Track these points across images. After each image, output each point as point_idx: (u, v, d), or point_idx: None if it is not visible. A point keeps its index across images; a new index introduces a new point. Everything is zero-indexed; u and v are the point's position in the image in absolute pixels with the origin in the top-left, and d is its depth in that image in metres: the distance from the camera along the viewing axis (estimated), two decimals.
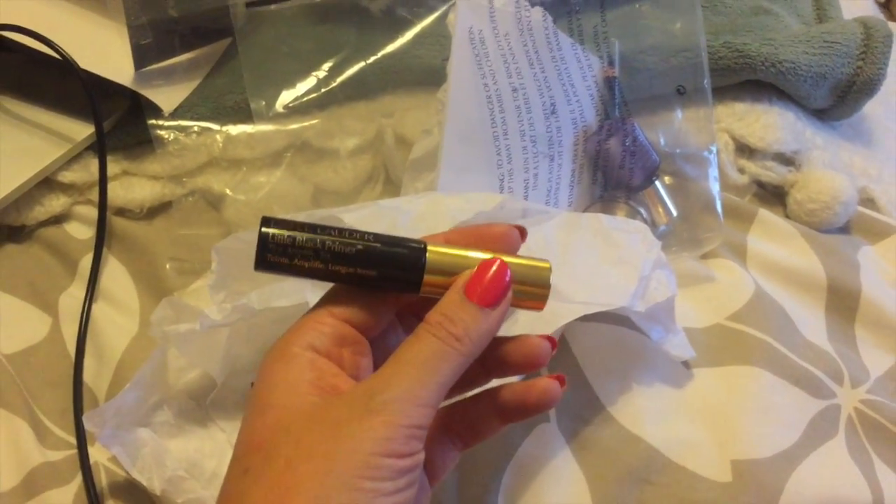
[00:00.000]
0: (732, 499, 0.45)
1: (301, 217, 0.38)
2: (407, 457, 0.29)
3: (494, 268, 0.33)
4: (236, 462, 0.30)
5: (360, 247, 0.32)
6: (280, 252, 0.31)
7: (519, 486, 0.46)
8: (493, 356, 0.35)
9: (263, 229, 0.31)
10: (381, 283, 0.33)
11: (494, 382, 0.37)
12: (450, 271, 0.33)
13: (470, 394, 0.37)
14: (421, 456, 0.30)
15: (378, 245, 0.32)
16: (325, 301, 0.34)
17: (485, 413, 0.36)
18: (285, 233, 0.31)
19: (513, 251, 0.35)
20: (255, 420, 0.31)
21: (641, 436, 0.47)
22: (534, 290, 0.34)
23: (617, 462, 0.47)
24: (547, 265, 0.34)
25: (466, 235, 0.35)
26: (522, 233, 0.36)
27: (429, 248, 0.33)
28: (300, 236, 0.32)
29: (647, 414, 0.48)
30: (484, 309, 0.32)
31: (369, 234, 0.33)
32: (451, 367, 0.31)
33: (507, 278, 0.33)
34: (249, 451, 0.30)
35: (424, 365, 0.30)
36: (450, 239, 0.35)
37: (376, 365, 0.34)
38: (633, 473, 0.46)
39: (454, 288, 0.33)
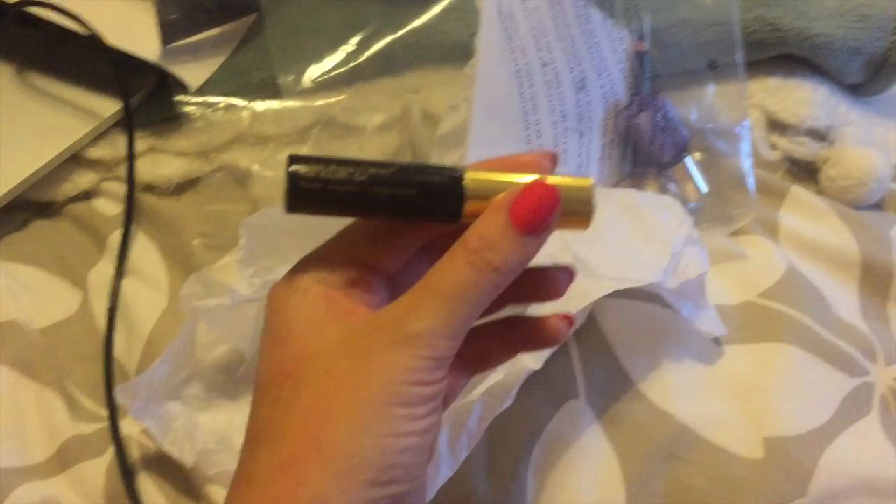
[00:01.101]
0: (764, 476, 0.45)
1: None
2: (434, 384, 0.29)
3: (542, 190, 0.30)
4: (263, 392, 0.30)
5: (397, 168, 0.30)
6: (312, 179, 0.29)
7: (548, 463, 0.46)
8: (515, 284, 0.32)
9: (293, 166, 0.29)
10: (419, 208, 0.30)
11: (506, 311, 0.36)
12: (492, 195, 0.31)
13: (482, 321, 0.35)
14: (445, 381, 0.30)
15: (417, 165, 0.31)
16: (334, 240, 0.32)
17: (495, 342, 0.35)
18: (317, 157, 0.30)
19: None
20: (276, 351, 0.30)
21: (672, 412, 0.47)
22: (577, 209, 0.31)
23: (647, 438, 0.46)
24: (589, 182, 0.32)
25: (493, 167, 0.32)
26: (553, 160, 0.33)
27: (468, 172, 0.31)
28: (332, 165, 0.30)
29: (678, 390, 0.48)
30: (526, 236, 0.30)
31: (400, 161, 0.31)
32: (484, 300, 0.30)
33: (557, 202, 0.30)
34: (277, 381, 0.30)
35: (457, 296, 0.29)
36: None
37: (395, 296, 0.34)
38: (664, 450, 0.46)
39: (497, 208, 0.30)
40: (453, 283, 0.29)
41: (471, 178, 0.31)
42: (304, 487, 0.27)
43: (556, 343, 0.35)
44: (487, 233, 0.30)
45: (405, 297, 0.30)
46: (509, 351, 0.36)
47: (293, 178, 0.29)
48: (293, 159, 0.30)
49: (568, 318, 0.35)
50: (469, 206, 0.30)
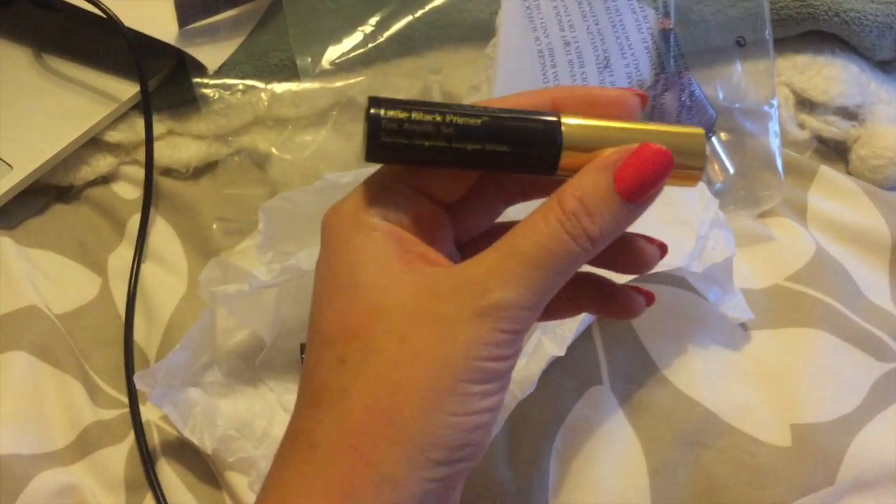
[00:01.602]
0: (792, 463, 0.44)
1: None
2: (510, 359, 0.28)
3: (655, 155, 0.27)
4: (327, 347, 0.28)
5: (486, 118, 0.27)
6: (395, 132, 0.27)
7: (571, 449, 0.45)
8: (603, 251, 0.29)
9: (373, 110, 0.27)
10: (511, 162, 0.28)
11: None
12: (590, 147, 0.28)
13: None
14: (519, 353, 0.28)
15: (507, 115, 0.27)
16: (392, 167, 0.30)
17: (565, 293, 0.31)
18: (399, 109, 0.27)
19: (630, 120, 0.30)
20: (341, 300, 0.28)
21: (697, 399, 0.46)
22: (686, 164, 0.29)
23: (672, 425, 0.46)
24: (700, 131, 0.29)
25: (574, 98, 0.29)
26: (643, 99, 0.30)
27: (564, 120, 0.28)
28: (416, 111, 0.27)
29: (703, 376, 0.47)
30: (630, 204, 0.27)
31: (490, 107, 0.28)
32: (572, 270, 0.27)
33: (671, 168, 0.27)
34: (343, 338, 0.27)
35: (544, 264, 0.27)
36: (558, 102, 0.29)
37: (460, 238, 0.32)
38: (689, 436, 0.45)
39: (600, 168, 0.27)
40: (542, 247, 0.27)
41: (568, 125, 0.28)
42: (374, 466, 0.26)
43: (628, 317, 0.33)
44: (586, 196, 0.27)
45: (487, 255, 0.27)
46: (576, 307, 0.34)
47: (374, 128, 0.27)
48: (374, 102, 0.27)
49: (648, 295, 0.33)
50: (566, 159, 0.28)
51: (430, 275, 0.28)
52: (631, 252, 0.32)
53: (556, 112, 0.28)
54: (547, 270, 0.27)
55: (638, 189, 0.27)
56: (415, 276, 0.28)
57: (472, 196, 0.31)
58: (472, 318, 0.26)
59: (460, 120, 0.27)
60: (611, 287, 0.33)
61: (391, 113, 0.27)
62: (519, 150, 0.28)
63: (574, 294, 0.33)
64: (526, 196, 0.33)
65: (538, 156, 0.28)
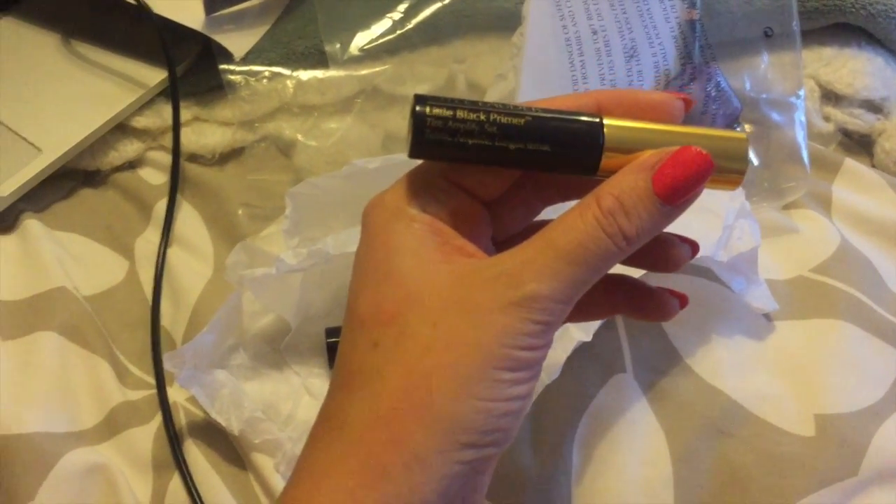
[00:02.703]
0: (816, 453, 0.44)
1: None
2: (542, 349, 0.28)
3: (694, 158, 0.27)
4: (362, 331, 0.28)
5: (529, 118, 0.28)
6: (440, 130, 0.27)
7: (594, 436, 0.46)
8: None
9: (419, 107, 0.27)
10: (553, 161, 0.28)
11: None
12: (631, 148, 0.28)
13: None
14: (550, 345, 0.29)
15: (550, 117, 0.28)
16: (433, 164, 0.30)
17: (598, 294, 0.32)
18: (444, 108, 0.27)
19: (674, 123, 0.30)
20: (378, 287, 0.28)
21: (721, 388, 0.46)
22: (728, 167, 0.29)
23: (695, 414, 0.46)
24: (743, 136, 0.29)
25: (619, 101, 0.30)
26: (687, 103, 0.30)
27: (606, 121, 0.28)
28: (461, 110, 0.27)
29: (727, 366, 0.47)
30: (665, 207, 0.27)
31: (533, 107, 0.28)
32: (606, 267, 0.28)
33: (710, 172, 0.27)
34: (378, 323, 0.28)
35: (579, 259, 0.27)
36: (602, 105, 0.30)
37: (497, 236, 0.32)
38: (712, 425, 0.45)
39: (640, 169, 0.28)
40: (578, 243, 0.27)
41: (610, 126, 0.28)
42: (404, 446, 0.26)
43: (661, 319, 0.33)
44: (624, 195, 0.27)
45: (523, 248, 0.28)
46: (610, 309, 0.34)
47: (419, 126, 0.27)
48: (419, 100, 0.27)
49: (682, 298, 0.33)
50: (607, 160, 0.28)
51: (465, 265, 0.28)
52: (663, 251, 0.32)
53: (599, 114, 0.29)
54: (581, 266, 0.27)
55: (676, 191, 0.27)
56: (451, 266, 0.28)
57: (510, 195, 0.32)
58: (506, 308, 0.27)
59: (504, 119, 0.28)
60: (645, 289, 0.33)
61: (436, 111, 0.27)
62: (561, 150, 0.28)
63: (608, 295, 0.33)
64: (564, 197, 0.33)
65: (580, 156, 0.28)
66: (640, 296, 0.33)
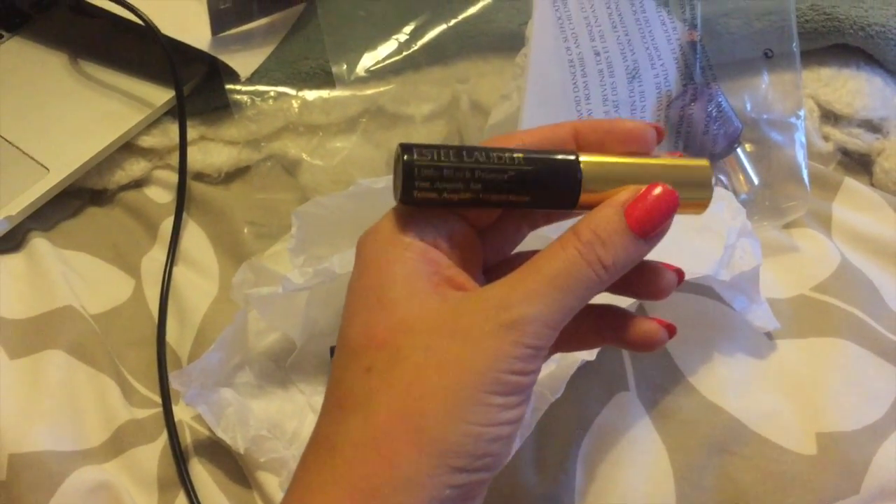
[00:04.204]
0: (818, 472, 0.44)
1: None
2: (531, 374, 0.29)
3: (660, 194, 0.30)
4: (354, 357, 0.29)
5: (512, 172, 0.29)
6: (427, 186, 0.29)
7: (598, 454, 0.46)
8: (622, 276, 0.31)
9: (407, 157, 0.29)
10: (535, 204, 0.30)
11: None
12: (608, 181, 0.30)
13: None
14: (539, 371, 0.30)
15: (531, 168, 0.30)
16: None
17: (587, 325, 0.34)
18: (432, 164, 0.29)
19: (647, 152, 0.32)
20: (370, 314, 0.29)
21: (723, 406, 0.47)
22: (694, 195, 0.31)
23: (698, 432, 0.46)
24: (705, 163, 0.31)
25: (596, 130, 0.32)
26: (659, 133, 0.32)
27: (582, 159, 0.30)
28: (448, 167, 0.29)
29: (729, 384, 0.48)
30: (640, 239, 0.29)
31: (516, 153, 0.30)
32: (589, 294, 0.29)
33: (675, 207, 0.30)
34: (370, 348, 0.29)
35: (565, 287, 0.29)
36: (581, 135, 0.32)
37: (487, 259, 0.33)
38: (715, 444, 0.46)
39: (613, 205, 0.30)
40: (562, 271, 0.29)
41: (586, 163, 0.30)
42: (396, 469, 0.27)
43: (649, 349, 0.34)
44: (600, 228, 0.29)
45: (510, 277, 0.29)
46: (598, 340, 0.35)
47: (407, 186, 0.29)
48: (405, 149, 0.29)
49: (670, 328, 0.34)
50: (584, 196, 0.30)
51: (455, 296, 0.29)
52: (648, 278, 0.33)
53: (576, 152, 0.31)
54: (565, 292, 0.29)
55: (646, 224, 0.29)
56: (442, 294, 0.29)
57: (501, 221, 0.34)
58: (497, 331, 0.28)
59: (488, 176, 0.29)
60: (631, 319, 0.34)
61: (424, 166, 0.29)
62: (541, 201, 0.30)
63: (596, 325, 0.34)
64: (549, 220, 0.35)
65: (560, 200, 0.31)
66: (626, 326, 0.34)
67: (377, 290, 0.29)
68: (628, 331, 0.34)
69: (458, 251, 0.31)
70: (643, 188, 0.30)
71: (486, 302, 0.29)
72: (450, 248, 0.31)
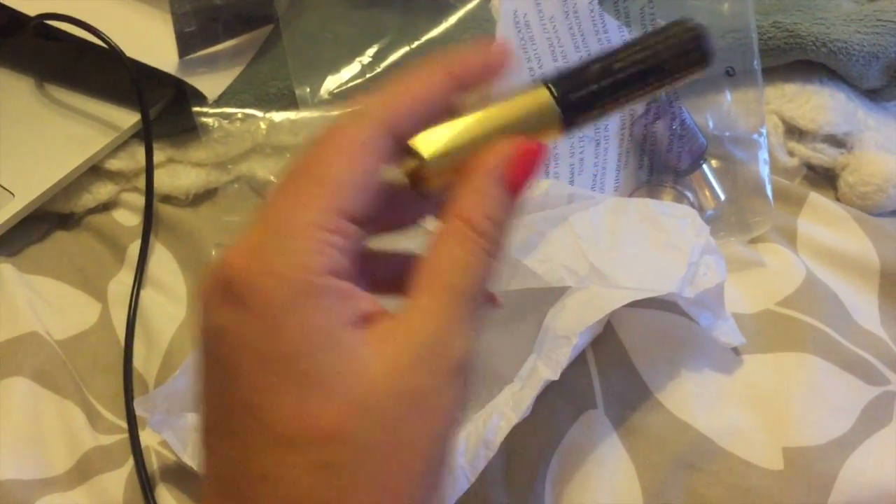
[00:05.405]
0: (784, 486, 0.45)
1: None
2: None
3: (531, 152, 0.28)
4: (294, 449, 0.24)
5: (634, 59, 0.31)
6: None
7: (566, 473, 0.46)
8: None
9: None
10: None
11: None
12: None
13: None
14: None
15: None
16: (324, 192, 0.25)
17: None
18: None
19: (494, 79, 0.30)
20: (299, 393, 0.24)
21: (690, 422, 0.47)
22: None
23: (665, 449, 0.46)
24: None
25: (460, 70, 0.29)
26: (507, 54, 0.30)
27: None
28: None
29: (696, 400, 0.48)
30: (518, 198, 0.28)
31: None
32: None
33: (542, 155, 0.28)
34: (320, 440, 0.24)
35: (479, 291, 0.27)
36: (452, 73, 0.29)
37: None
38: (682, 460, 0.46)
39: (488, 178, 0.27)
40: (476, 278, 0.27)
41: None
42: None
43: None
44: (491, 210, 0.27)
45: (428, 304, 0.26)
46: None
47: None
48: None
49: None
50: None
51: (387, 344, 0.25)
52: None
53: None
54: (479, 296, 0.27)
55: (523, 185, 0.28)
56: (371, 348, 0.25)
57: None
58: (449, 380, 0.26)
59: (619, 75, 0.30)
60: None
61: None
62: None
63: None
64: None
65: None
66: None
67: (298, 359, 0.24)
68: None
69: (355, 267, 0.26)
70: (508, 150, 0.28)
71: (425, 350, 0.25)
72: (351, 267, 0.26)
